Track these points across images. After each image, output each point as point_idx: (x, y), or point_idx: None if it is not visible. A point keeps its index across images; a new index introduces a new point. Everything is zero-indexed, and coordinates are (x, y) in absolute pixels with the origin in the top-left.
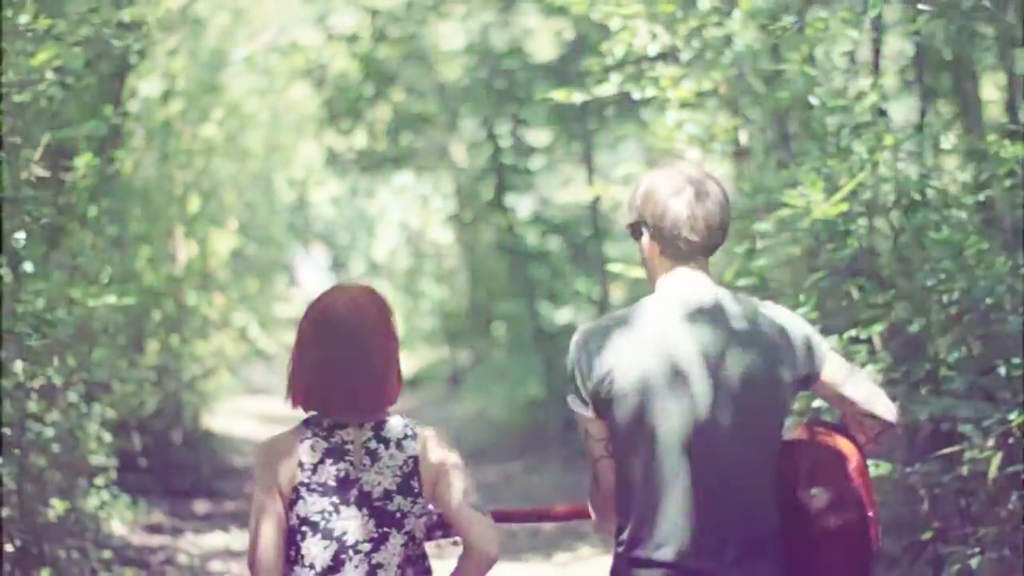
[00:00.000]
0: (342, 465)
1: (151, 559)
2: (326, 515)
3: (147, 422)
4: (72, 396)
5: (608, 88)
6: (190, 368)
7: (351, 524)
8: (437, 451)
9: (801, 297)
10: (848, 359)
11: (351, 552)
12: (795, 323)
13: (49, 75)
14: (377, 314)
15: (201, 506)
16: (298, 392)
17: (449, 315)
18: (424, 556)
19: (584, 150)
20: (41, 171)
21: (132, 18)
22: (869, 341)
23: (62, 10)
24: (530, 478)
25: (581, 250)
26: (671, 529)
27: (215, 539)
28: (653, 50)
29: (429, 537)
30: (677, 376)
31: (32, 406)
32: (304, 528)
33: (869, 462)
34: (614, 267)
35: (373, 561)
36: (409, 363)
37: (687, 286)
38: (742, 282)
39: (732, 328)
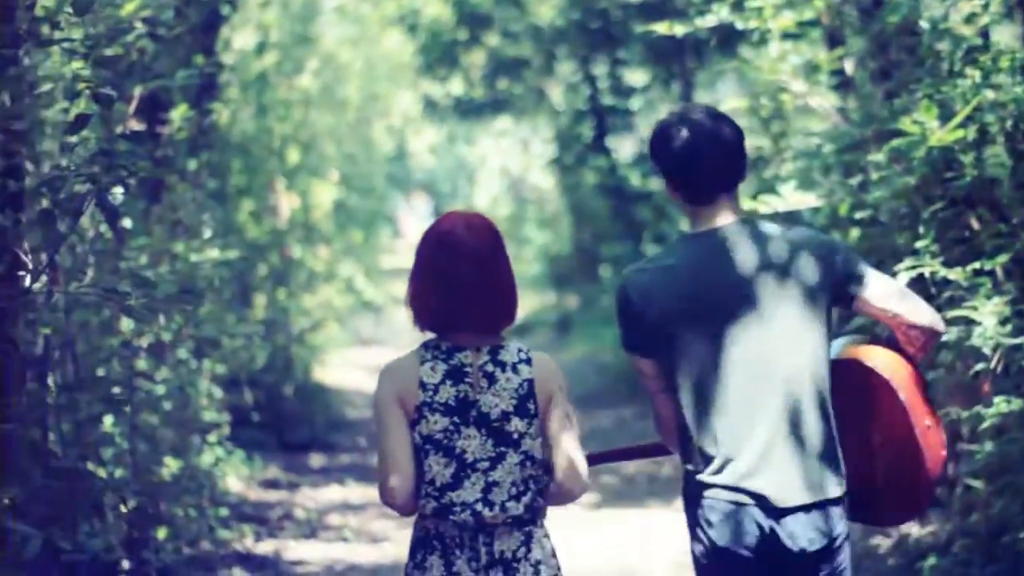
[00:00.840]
0: (461, 387)
1: (268, 515)
2: (448, 434)
3: (258, 377)
4: (182, 353)
5: (710, 19)
6: (298, 321)
7: (470, 443)
8: (551, 376)
9: (920, 229)
10: (972, 292)
11: (469, 470)
12: (828, 245)
13: (139, 26)
14: (493, 237)
15: (316, 460)
16: (424, 315)
17: (554, 260)
18: (542, 477)
19: (683, 88)
20: (136, 125)
21: None
22: (992, 273)
23: None
24: (644, 423)
25: None
26: (727, 456)
27: (332, 493)
28: None
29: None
30: (709, 309)
31: (141, 364)
32: (427, 446)
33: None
34: None
35: (490, 479)
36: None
37: (711, 222)
38: (857, 215)
39: (759, 256)
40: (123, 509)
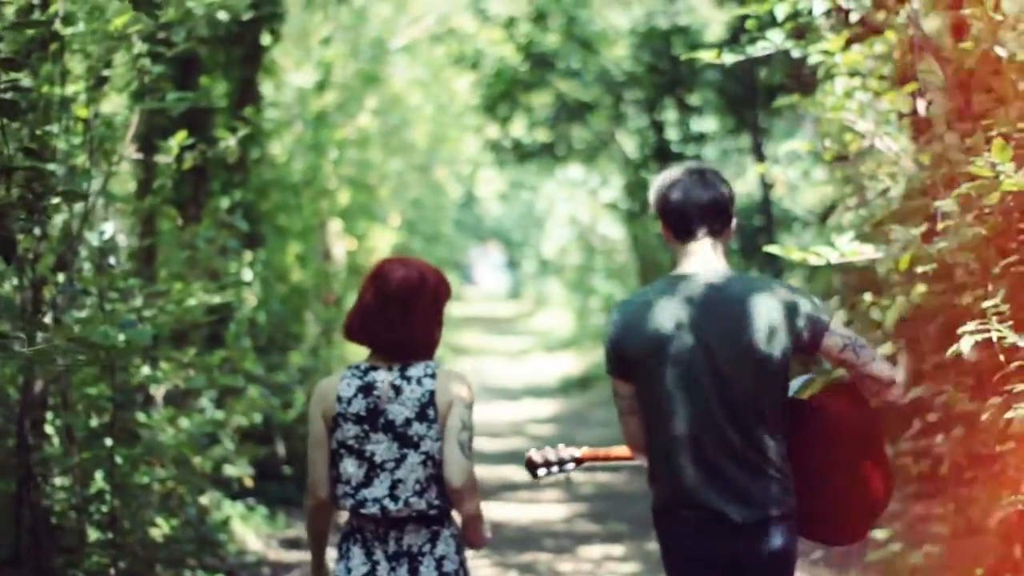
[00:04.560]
0: (371, 399)
1: None
2: (359, 439)
3: (293, 428)
4: (203, 402)
5: (766, 46)
6: (339, 369)
7: (379, 447)
8: (452, 388)
9: (990, 287)
10: None
11: (378, 470)
12: (796, 299)
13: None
14: (420, 283)
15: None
16: (351, 334)
17: None
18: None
19: (754, 136)
20: (134, 152)
21: None
22: None
23: None
24: None
25: (751, 241)
26: (688, 476)
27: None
28: (819, 8)
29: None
30: (677, 343)
31: (162, 413)
32: (342, 450)
33: None
34: (772, 248)
35: (395, 477)
36: (579, 363)
37: (696, 264)
38: (920, 269)
39: (733, 301)
40: (112, 572)
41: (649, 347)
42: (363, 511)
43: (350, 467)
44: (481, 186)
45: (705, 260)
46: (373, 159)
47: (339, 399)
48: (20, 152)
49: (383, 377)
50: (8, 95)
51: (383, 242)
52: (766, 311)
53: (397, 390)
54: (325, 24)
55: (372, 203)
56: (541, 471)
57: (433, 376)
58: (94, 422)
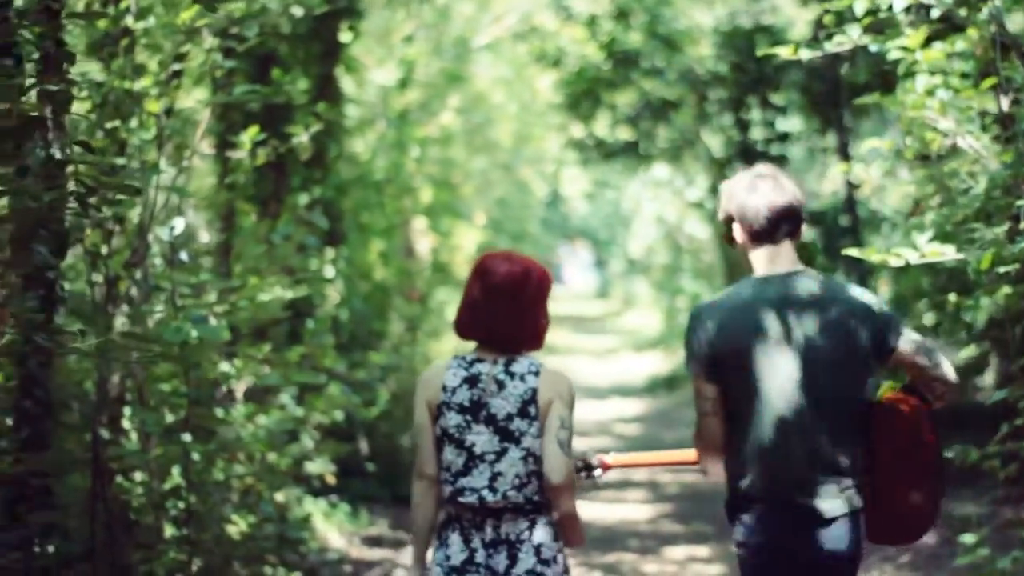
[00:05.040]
0: (475, 391)
1: (366, 575)
2: (460, 429)
3: (375, 425)
4: (284, 398)
5: (842, 41)
6: (422, 367)
7: (479, 438)
8: (553, 387)
9: None
10: None
11: (478, 461)
12: (875, 302)
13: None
14: (525, 277)
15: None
16: (459, 328)
17: None
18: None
19: (839, 136)
20: (207, 147)
21: None
22: None
23: None
24: None
25: (836, 242)
26: (772, 472)
27: None
28: (899, 4)
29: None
30: (772, 343)
31: (240, 409)
32: (444, 438)
33: None
34: (851, 251)
35: (495, 469)
36: (666, 362)
37: (776, 265)
38: (1002, 269)
39: (816, 303)
40: (189, 569)
41: (736, 349)
42: (461, 499)
43: (450, 455)
44: (566, 185)
45: (784, 262)
46: (456, 157)
47: (444, 388)
48: (75, 145)
49: (488, 370)
50: (59, 88)
51: (468, 240)
52: (849, 313)
53: (500, 385)
54: (408, 22)
55: (456, 201)
56: None
57: (536, 374)
58: (169, 418)
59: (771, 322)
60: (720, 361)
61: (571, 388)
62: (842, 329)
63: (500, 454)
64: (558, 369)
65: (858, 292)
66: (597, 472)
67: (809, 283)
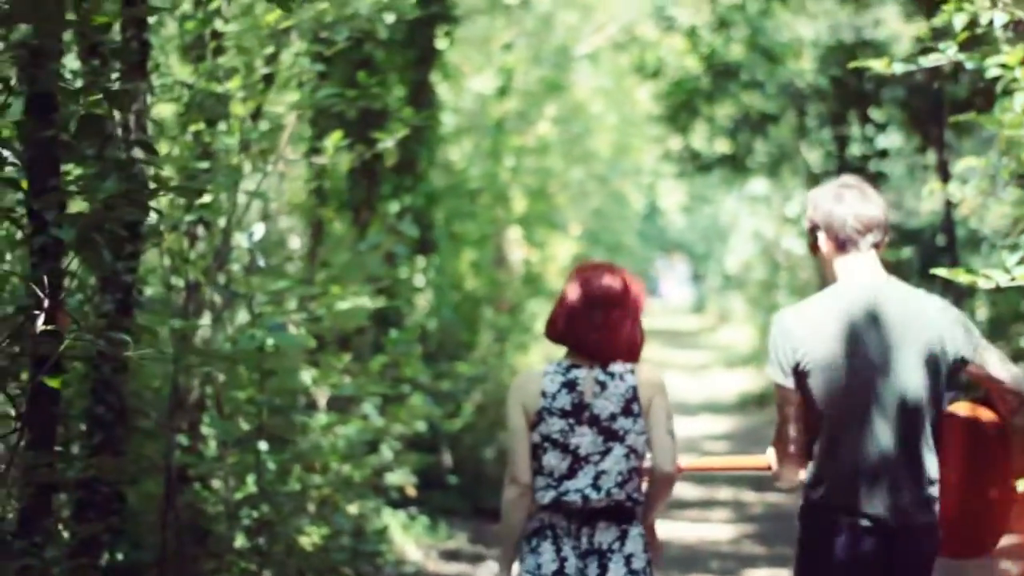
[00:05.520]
0: (574, 394)
1: None
2: (563, 433)
3: (459, 436)
4: (366, 408)
5: (938, 57)
6: (509, 380)
7: (583, 440)
8: (652, 383)
9: None
10: None
11: (583, 462)
12: (955, 312)
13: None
14: (624, 290)
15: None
16: (553, 333)
17: None
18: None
19: (939, 153)
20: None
21: None
22: None
23: None
24: None
25: (932, 261)
26: (846, 480)
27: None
28: (999, 20)
29: None
30: (849, 353)
31: (321, 419)
32: (546, 444)
33: None
34: (938, 271)
35: (599, 468)
36: (759, 379)
37: (861, 274)
38: None
39: (900, 312)
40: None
41: (817, 356)
42: (565, 499)
43: (553, 460)
44: (663, 198)
45: (869, 272)
46: (553, 167)
47: (543, 394)
48: (136, 145)
49: (585, 374)
50: (116, 86)
51: (562, 251)
52: (932, 323)
53: (602, 386)
54: (508, 30)
55: (551, 212)
56: None
57: (633, 372)
58: (245, 426)
59: (853, 331)
60: (801, 368)
61: (665, 382)
62: (921, 340)
63: (604, 453)
64: (651, 367)
65: (938, 304)
66: None
67: (892, 293)
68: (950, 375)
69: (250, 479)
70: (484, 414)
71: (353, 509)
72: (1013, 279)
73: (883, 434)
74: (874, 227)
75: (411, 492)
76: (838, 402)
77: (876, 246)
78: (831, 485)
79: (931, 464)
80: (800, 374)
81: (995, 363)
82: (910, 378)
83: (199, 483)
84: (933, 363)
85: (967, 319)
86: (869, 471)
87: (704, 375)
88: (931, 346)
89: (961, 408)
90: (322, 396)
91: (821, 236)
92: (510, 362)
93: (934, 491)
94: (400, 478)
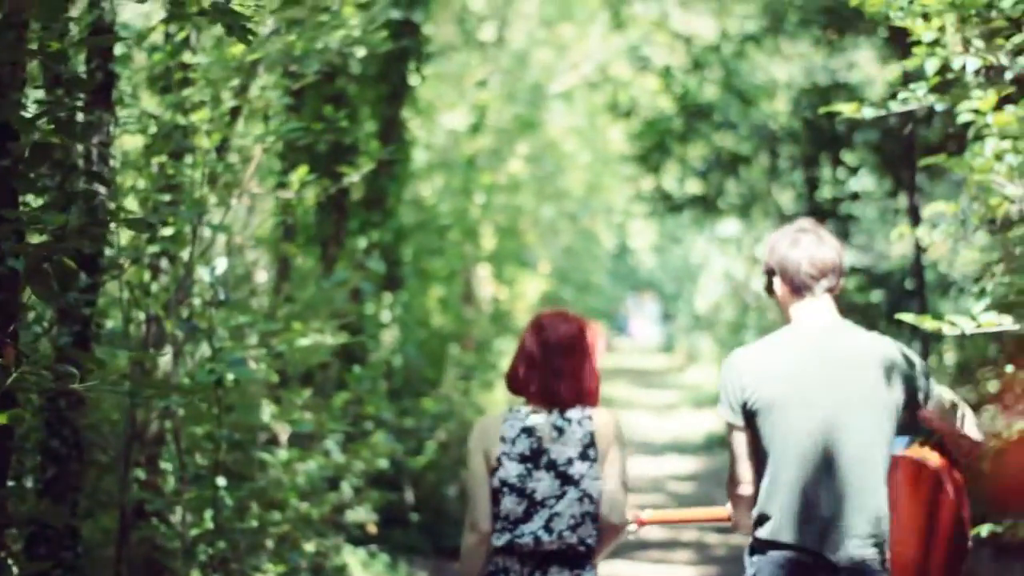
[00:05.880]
0: (533, 439)
1: None
2: (521, 478)
3: (422, 474)
4: (328, 445)
5: (907, 99)
6: (474, 418)
7: (540, 484)
8: (610, 429)
9: None
10: None
11: (538, 506)
12: (910, 355)
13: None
14: (579, 335)
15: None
16: (513, 383)
17: None
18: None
19: (910, 197)
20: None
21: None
22: None
23: None
24: None
25: (901, 305)
26: (793, 518)
27: None
28: (971, 65)
29: None
30: (804, 393)
31: (282, 455)
32: (504, 488)
33: None
34: (904, 316)
35: (553, 511)
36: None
37: (814, 318)
38: None
39: (851, 354)
40: None
41: (766, 396)
42: (518, 541)
43: (510, 504)
44: (634, 237)
45: (822, 315)
46: (524, 205)
47: (503, 439)
48: (84, 176)
49: (543, 420)
50: (63, 114)
51: (532, 289)
52: (884, 366)
53: (560, 431)
54: (482, 67)
55: (521, 249)
56: None
57: (591, 418)
58: (203, 461)
59: (801, 372)
60: (749, 407)
61: (622, 429)
62: (870, 382)
63: (559, 497)
64: (609, 411)
65: (891, 347)
66: (632, 527)
67: (844, 336)
68: (903, 417)
69: (207, 515)
70: (448, 452)
71: (311, 547)
72: (979, 326)
73: (830, 474)
74: (828, 272)
75: (372, 530)
76: (784, 441)
77: (831, 290)
78: (776, 522)
79: (879, 503)
80: (749, 413)
81: (946, 406)
82: (858, 420)
83: (156, 518)
84: (882, 405)
85: (922, 362)
86: (815, 509)
87: (671, 415)
88: (880, 389)
89: (911, 451)
90: (283, 432)
91: (776, 280)
92: (475, 400)
93: (883, 529)
94: (361, 515)
